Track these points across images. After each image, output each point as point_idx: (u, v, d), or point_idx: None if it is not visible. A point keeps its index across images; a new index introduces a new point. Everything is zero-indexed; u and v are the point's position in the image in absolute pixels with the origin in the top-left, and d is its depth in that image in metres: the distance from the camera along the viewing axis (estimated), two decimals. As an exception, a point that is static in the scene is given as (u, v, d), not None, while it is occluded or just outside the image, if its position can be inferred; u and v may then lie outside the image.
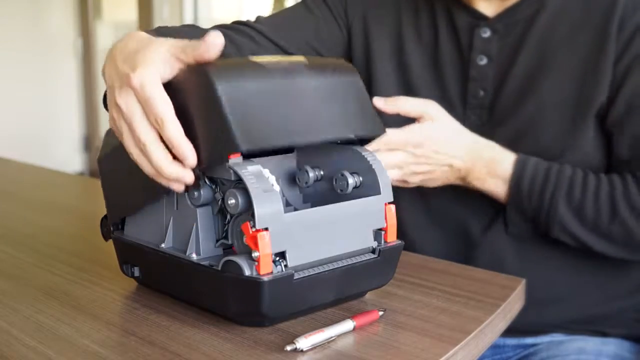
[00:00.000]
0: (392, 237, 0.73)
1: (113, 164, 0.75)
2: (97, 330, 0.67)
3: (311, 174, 0.76)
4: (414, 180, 0.92)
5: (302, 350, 0.61)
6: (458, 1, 0.98)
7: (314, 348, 0.62)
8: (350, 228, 0.69)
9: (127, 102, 0.63)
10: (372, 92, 1.00)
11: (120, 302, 0.74)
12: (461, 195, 0.97)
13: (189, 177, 0.64)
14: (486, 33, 0.96)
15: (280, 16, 1.08)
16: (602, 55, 0.89)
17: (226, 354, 0.62)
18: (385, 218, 0.72)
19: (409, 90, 1.01)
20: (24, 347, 0.63)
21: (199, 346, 0.63)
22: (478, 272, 0.86)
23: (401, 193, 0.96)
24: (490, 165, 0.92)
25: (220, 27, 1.01)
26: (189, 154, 0.62)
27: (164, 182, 0.64)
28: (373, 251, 0.71)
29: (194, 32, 0.90)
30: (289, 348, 0.61)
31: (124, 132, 0.65)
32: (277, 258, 0.64)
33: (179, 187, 0.65)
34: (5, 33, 2.86)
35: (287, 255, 0.64)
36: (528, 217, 0.93)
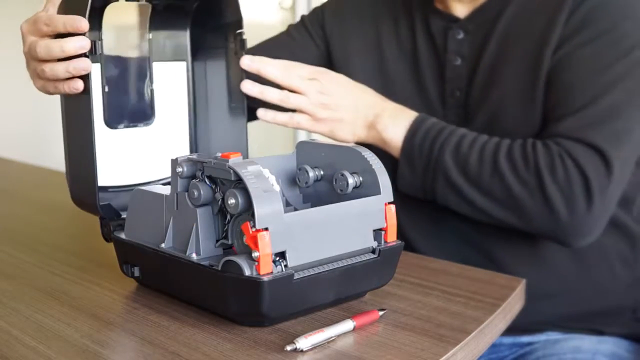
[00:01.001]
0: (392, 237, 0.73)
1: None
2: (97, 330, 0.67)
3: (311, 174, 0.76)
4: (323, 116, 0.94)
5: (302, 350, 0.61)
6: (433, 7, 1.01)
7: (314, 348, 0.62)
8: (350, 228, 0.69)
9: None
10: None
11: (120, 302, 0.74)
12: None
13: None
14: (459, 34, 0.99)
15: (265, 44, 1.15)
16: (553, 31, 0.91)
17: (226, 354, 0.62)
18: (385, 218, 0.72)
19: (386, 85, 1.04)
20: (24, 347, 0.63)
21: (199, 346, 0.63)
22: (478, 272, 0.86)
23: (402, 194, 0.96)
24: (396, 112, 0.95)
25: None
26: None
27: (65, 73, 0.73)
28: (373, 251, 0.71)
29: None
30: (289, 348, 0.61)
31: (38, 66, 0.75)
32: (277, 258, 0.64)
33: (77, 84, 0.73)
34: (5, 33, 2.86)
35: (287, 255, 0.64)
36: (417, 170, 0.93)
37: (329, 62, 1.11)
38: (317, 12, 1.15)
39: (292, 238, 0.64)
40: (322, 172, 0.76)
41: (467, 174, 0.90)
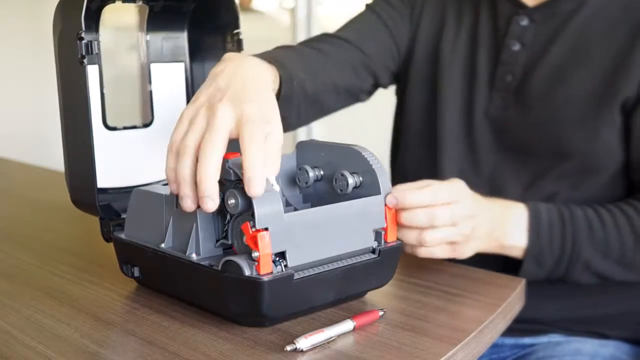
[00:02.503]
0: (392, 237, 0.73)
1: None
2: (97, 330, 0.67)
3: (311, 174, 0.76)
4: (464, 241, 0.81)
5: (302, 350, 0.61)
6: None
7: (314, 348, 0.62)
8: (350, 228, 0.69)
9: (224, 114, 0.64)
10: (408, 69, 1.08)
11: (120, 302, 0.74)
12: None
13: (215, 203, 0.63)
14: (524, 21, 0.99)
15: (354, 26, 1.10)
16: (634, 56, 0.91)
17: (226, 354, 0.62)
18: (385, 218, 0.72)
19: (437, 65, 1.04)
20: (24, 347, 0.63)
21: (199, 346, 0.63)
22: (478, 272, 0.86)
23: None
24: (504, 212, 0.88)
25: (308, 42, 1.07)
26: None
27: (190, 195, 0.65)
28: (373, 251, 0.71)
29: (298, 56, 0.98)
30: (289, 348, 0.61)
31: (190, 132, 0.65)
32: (277, 258, 0.64)
33: (211, 206, 0.63)
34: (5, 33, 2.86)
35: (287, 255, 0.64)
36: (546, 266, 0.90)
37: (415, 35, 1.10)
38: None
39: (292, 238, 0.64)
40: (322, 172, 0.76)
41: (609, 256, 0.90)
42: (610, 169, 0.94)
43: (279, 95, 0.87)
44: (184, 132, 0.66)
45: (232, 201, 0.64)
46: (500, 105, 0.98)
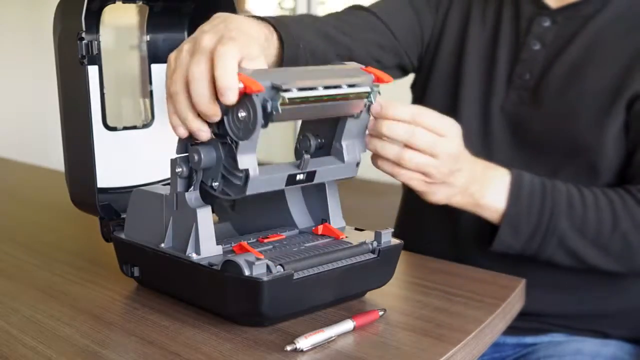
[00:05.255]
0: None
1: None
2: (97, 330, 0.67)
3: (313, 142, 0.75)
4: (442, 180, 0.81)
5: (302, 350, 0.61)
6: None
7: (314, 348, 0.62)
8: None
9: (203, 42, 0.66)
10: (434, 61, 1.08)
11: (120, 302, 0.74)
12: None
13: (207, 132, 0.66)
14: (546, 22, 1.00)
15: (387, 1, 1.11)
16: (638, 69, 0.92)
17: (226, 354, 0.62)
18: None
19: (460, 60, 1.05)
20: (24, 347, 0.63)
21: (199, 346, 0.63)
22: (478, 272, 0.86)
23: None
24: (486, 173, 0.88)
25: (335, 13, 1.07)
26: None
27: (185, 124, 0.67)
28: (373, 251, 0.71)
29: (313, 23, 0.98)
30: (289, 348, 0.61)
31: (178, 65, 0.67)
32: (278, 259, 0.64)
33: (204, 135, 0.66)
34: (5, 33, 2.86)
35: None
36: (522, 235, 0.89)
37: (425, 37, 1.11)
38: None
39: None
40: (323, 140, 0.76)
41: (585, 235, 0.89)
42: (616, 167, 0.95)
43: (281, 58, 0.87)
44: (172, 70, 0.68)
45: (243, 114, 0.64)
46: (516, 102, 1.00)
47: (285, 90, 0.63)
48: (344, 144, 0.73)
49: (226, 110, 0.65)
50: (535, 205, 0.88)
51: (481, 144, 1.02)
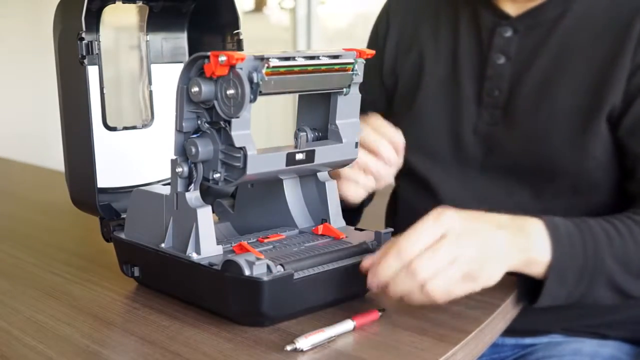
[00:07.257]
0: None
1: None
2: (97, 330, 0.67)
3: (310, 135, 0.75)
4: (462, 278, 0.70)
5: (302, 350, 0.61)
6: (484, 1, 0.98)
7: (314, 348, 0.62)
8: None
9: None
10: (397, 84, 1.05)
11: (120, 302, 0.74)
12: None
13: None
14: (507, 32, 0.96)
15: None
16: (618, 66, 0.88)
17: (226, 354, 0.62)
18: None
19: (420, 83, 1.02)
20: (24, 346, 0.63)
21: (199, 346, 0.63)
22: (478, 272, 0.86)
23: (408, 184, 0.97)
24: (516, 225, 0.76)
25: None
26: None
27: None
28: (373, 251, 0.71)
29: None
30: (289, 348, 0.61)
31: None
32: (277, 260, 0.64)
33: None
34: (5, 33, 2.86)
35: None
36: (568, 283, 0.78)
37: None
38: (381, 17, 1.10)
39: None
40: (319, 134, 0.76)
41: (630, 269, 0.79)
42: (606, 187, 0.91)
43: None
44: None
45: (231, 91, 0.65)
46: (489, 122, 0.95)
47: (269, 59, 0.64)
48: (338, 123, 0.74)
49: (215, 94, 0.66)
50: (577, 248, 0.77)
51: (455, 172, 0.99)
